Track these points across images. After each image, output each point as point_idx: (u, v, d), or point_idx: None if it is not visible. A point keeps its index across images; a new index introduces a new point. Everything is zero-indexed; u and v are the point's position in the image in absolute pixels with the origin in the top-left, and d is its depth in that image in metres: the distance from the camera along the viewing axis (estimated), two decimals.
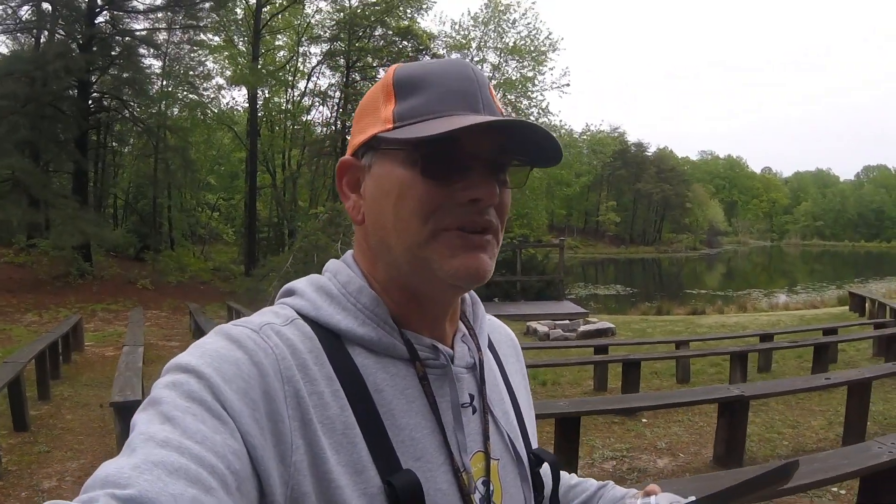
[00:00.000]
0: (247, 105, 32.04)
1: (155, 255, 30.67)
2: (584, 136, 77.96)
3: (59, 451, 6.86)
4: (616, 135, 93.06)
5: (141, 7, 28.21)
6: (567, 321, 17.49)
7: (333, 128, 34.38)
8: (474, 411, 0.98)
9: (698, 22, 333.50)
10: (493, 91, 0.93)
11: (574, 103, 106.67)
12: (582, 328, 16.78)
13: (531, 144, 0.89)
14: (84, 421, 8.06)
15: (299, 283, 0.97)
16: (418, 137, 0.82)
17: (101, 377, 8.22)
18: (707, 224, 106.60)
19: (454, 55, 35.56)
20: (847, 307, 20.72)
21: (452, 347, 0.99)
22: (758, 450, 6.74)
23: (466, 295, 1.09)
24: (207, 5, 27.79)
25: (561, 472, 1.15)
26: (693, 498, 1.00)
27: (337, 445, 0.81)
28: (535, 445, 1.11)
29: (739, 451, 5.65)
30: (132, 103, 29.74)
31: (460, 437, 0.92)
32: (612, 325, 17.05)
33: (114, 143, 34.57)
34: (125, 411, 5.72)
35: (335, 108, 35.44)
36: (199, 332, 13.22)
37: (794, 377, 9.30)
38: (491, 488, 0.96)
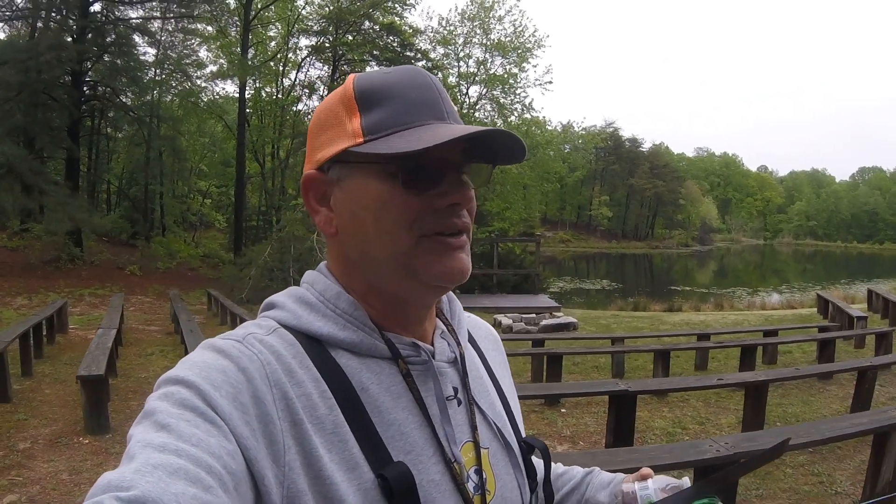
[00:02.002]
0: (238, 94, 32.55)
1: (145, 241, 31.24)
2: (579, 131, 78.37)
3: (36, 419, 7.59)
4: (611, 129, 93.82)
5: None
6: (534, 315, 18.01)
7: None
8: (459, 403, 1.01)
9: (701, 20, 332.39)
10: (448, 97, 0.97)
11: (570, 98, 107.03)
12: (544, 322, 17.23)
13: (498, 147, 0.94)
14: (60, 395, 8.78)
15: (279, 297, 1.01)
16: (400, 153, 0.85)
17: (80, 357, 8.84)
18: (700, 221, 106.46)
19: (439, 49, 36.19)
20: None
21: (432, 344, 1.03)
22: (653, 441, 7.28)
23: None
24: None
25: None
26: (687, 479, 1.10)
27: (328, 444, 0.84)
28: (523, 434, 1.15)
29: (628, 441, 6.11)
30: (125, 91, 30.29)
31: (448, 429, 0.95)
32: (574, 321, 17.50)
33: (108, 129, 34.98)
34: (90, 383, 6.96)
35: (322, 98, 35.58)
36: (176, 319, 13.94)
37: (699, 376, 10.02)
38: (484, 476, 0.99)
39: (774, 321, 18.41)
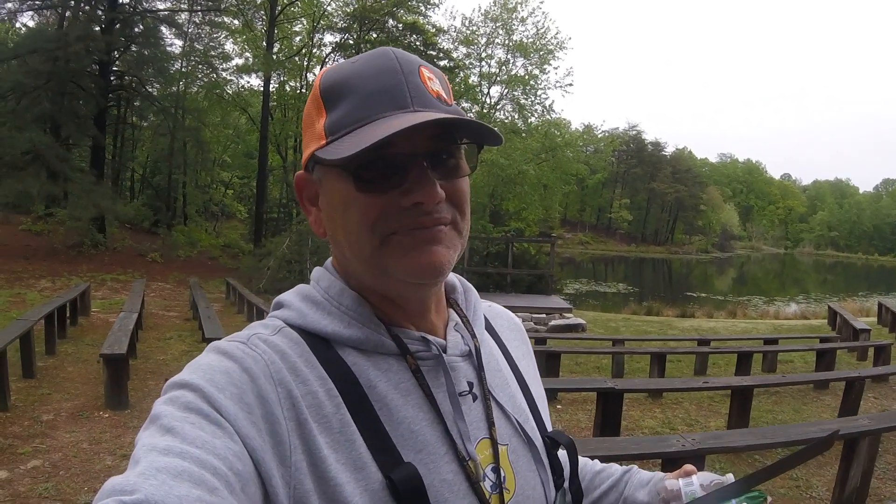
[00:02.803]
0: (262, 88, 33.03)
1: (167, 229, 31.69)
2: (600, 135, 78.29)
3: (59, 394, 8.06)
4: (633, 132, 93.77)
5: None
6: (544, 315, 18.24)
7: None
8: (475, 398, 0.98)
9: (731, 26, 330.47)
10: (427, 72, 0.92)
11: (594, 99, 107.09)
12: (553, 322, 17.52)
13: (467, 132, 0.90)
14: (82, 373, 9.26)
15: (287, 296, 1.00)
16: (339, 159, 0.82)
17: (102, 339, 9.30)
18: (720, 227, 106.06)
19: (461, 49, 36.44)
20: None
21: (445, 338, 1.00)
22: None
23: (457, 283, 1.11)
24: None
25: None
26: (731, 476, 1.08)
27: (335, 444, 0.82)
28: (549, 428, 1.10)
29: (614, 435, 6.36)
30: (151, 81, 30.78)
31: (461, 426, 0.92)
32: (583, 322, 17.77)
33: (133, 119, 35.50)
34: (112, 361, 7.47)
35: None
36: (195, 305, 14.39)
37: (686, 378, 10.30)
38: (502, 474, 0.96)
39: (783, 330, 18.56)
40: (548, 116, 37.74)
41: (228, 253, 31.39)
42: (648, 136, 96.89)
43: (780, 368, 11.90)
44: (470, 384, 0.98)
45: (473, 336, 1.04)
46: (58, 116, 25.84)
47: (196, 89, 35.14)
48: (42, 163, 23.79)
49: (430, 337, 0.96)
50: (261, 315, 13.92)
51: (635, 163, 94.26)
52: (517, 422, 1.02)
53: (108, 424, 6.92)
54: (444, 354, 0.96)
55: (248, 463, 0.74)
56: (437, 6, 36.20)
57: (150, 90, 31.36)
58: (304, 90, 36.59)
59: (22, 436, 6.39)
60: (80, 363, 9.87)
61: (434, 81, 0.91)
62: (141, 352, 10.91)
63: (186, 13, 31.91)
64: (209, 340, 9.71)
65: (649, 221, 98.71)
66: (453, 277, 1.10)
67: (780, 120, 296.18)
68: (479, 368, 1.01)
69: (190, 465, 0.68)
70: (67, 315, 12.28)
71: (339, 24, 34.08)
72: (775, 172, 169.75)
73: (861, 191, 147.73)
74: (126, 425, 6.93)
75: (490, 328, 1.15)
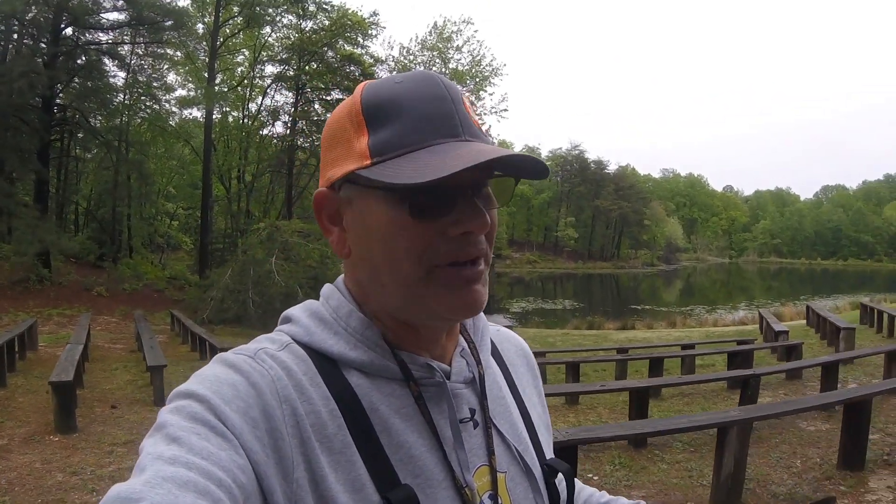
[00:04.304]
0: (205, 119, 33.51)
1: (112, 262, 31.78)
2: (547, 154, 79.37)
3: (11, 421, 8.65)
4: (576, 152, 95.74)
5: (105, 23, 29.55)
6: None
7: (287, 142, 35.94)
8: (476, 425, 0.97)
9: (668, 40, 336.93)
10: (467, 102, 0.91)
11: (537, 120, 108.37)
12: None
13: (511, 165, 0.90)
14: (32, 402, 9.83)
15: (295, 310, 0.99)
16: (408, 185, 0.80)
17: (49, 371, 9.72)
18: (665, 241, 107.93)
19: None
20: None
21: (451, 363, 0.99)
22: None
23: None
24: (168, 23, 29.06)
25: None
26: None
27: (335, 463, 0.82)
28: (549, 456, 1.10)
29: None
30: (94, 115, 31.00)
31: (461, 454, 0.91)
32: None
33: (77, 150, 35.37)
34: (60, 388, 8.17)
35: (286, 125, 36.94)
36: (140, 337, 14.76)
37: (587, 383, 11.06)
38: (500, 502, 0.96)
39: (714, 336, 19.48)
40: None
41: (174, 285, 31.47)
42: (591, 156, 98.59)
43: (700, 371, 12.57)
44: (472, 411, 0.98)
45: (479, 363, 1.03)
46: (1, 151, 25.83)
47: (139, 121, 35.19)
48: None
49: (434, 363, 0.95)
50: (203, 345, 14.43)
51: (579, 181, 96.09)
52: (517, 450, 1.01)
53: (58, 447, 7.51)
54: (447, 381, 0.95)
55: (252, 477, 0.75)
56: (375, 37, 37.04)
57: (93, 123, 31.48)
58: (246, 120, 37.02)
59: None
60: (30, 394, 10.41)
61: (472, 111, 0.92)
62: (87, 382, 11.48)
63: (129, 45, 32.10)
64: (153, 368, 10.38)
65: (595, 238, 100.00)
66: None
67: (722, 131, 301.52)
68: (481, 396, 1.00)
69: (196, 475, 0.68)
70: (16, 349, 12.73)
71: (280, 56, 34.81)
72: (717, 185, 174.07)
73: (802, 198, 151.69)
74: (75, 447, 7.52)
75: (496, 353, 1.14)
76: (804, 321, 21.20)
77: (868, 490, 5.95)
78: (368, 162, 0.85)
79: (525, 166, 0.90)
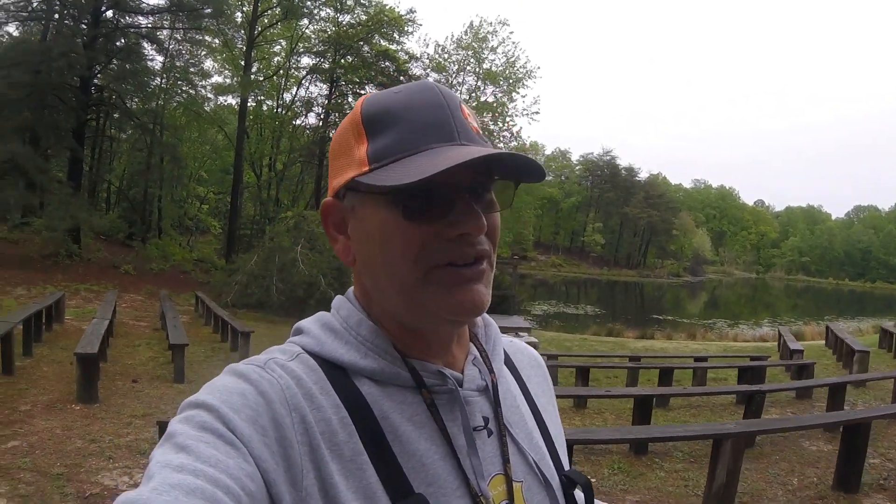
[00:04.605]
0: (239, 105, 33.95)
1: (141, 242, 32.12)
2: (573, 163, 79.08)
3: (35, 389, 8.98)
4: (608, 158, 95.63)
5: (146, 7, 30.05)
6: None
7: (320, 134, 36.18)
8: (490, 434, 0.97)
9: (707, 50, 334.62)
10: (466, 109, 0.93)
11: (572, 124, 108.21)
12: None
13: (511, 168, 0.91)
14: (57, 372, 10.17)
15: (307, 322, 1.00)
16: (396, 186, 0.81)
17: (75, 344, 10.03)
18: (692, 252, 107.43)
19: (433, 76, 37.45)
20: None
21: (462, 371, 0.99)
22: None
23: (479, 317, 1.07)
24: (207, 11, 29.45)
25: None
26: None
27: (346, 472, 0.82)
28: (566, 467, 1.09)
29: None
30: (131, 97, 31.45)
31: (475, 461, 0.91)
32: (536, 340, 18.30)
33: (112, 131, 35.90)
34: (84, 360, 8.52)
35: (319, 117, 37.29)
36: (164, 316, 15.11)
37: (593, 388, 11.28)
38: None
39: (732, 350, 19.46)
40: (514, 143, 38.80)
41: (201, 267, 31.79)
42: (623, 162, 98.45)
43: (711, 384, 12.72)
44: (485, 419, 0.97)
45: (491, 371, 1.02)
46: (38, 128, 26.25)
47: (175, 105, 35.67)
48: (20, 172, 24.27)
49: (446, 370, 0.94)
50: (225, 327, 14.71)
51: (609, 187, 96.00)
52: (533, 459, 1.00)
53: (79, 415, 7.82)
54: (459, 388, 0.94)
55: (261, 484, 0.75)
56: (411, 34, 37.27)
57: (129, 105, 31.83)
58: (280, 110, 37.41)
59: (3, 422, 7.27)
60: (55, 364, 10.73)
61: (472, 118, 0.93)
62: (111, 356, 11.78)
63: (167, 30, 32.47)
64: (174, 346, 10.64)
65: (622, 245, 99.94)
66: None
67: (756, 147, 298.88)
68: (495, 403, 0.99)
69: (203, 483, 0.69)
70: (43, 321, 13.07)
71: (316, 48, 35.17)
72: (748, 199, 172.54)
73: (833, 217, 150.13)
74: (95, 416, 7.85)
75: (510, 364, 1.13)
76: (823, 341, 21.11)
77: None
78: (366, 168, 0.87)
79: (522, 168, 0.91)
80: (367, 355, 0.92)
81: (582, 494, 1.06)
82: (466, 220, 0.86)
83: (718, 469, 5.87)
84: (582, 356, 15.53)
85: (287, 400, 0.82)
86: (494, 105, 37.93)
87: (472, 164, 0.80)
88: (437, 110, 0.88)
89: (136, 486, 0.66)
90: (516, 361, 1.15)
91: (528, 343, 13.51)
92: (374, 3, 34.54)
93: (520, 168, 0.90)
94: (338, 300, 1.01)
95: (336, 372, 0.90)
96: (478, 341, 1.06)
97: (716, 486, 5.88)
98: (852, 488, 6.43)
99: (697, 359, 14.50)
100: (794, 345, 15.79)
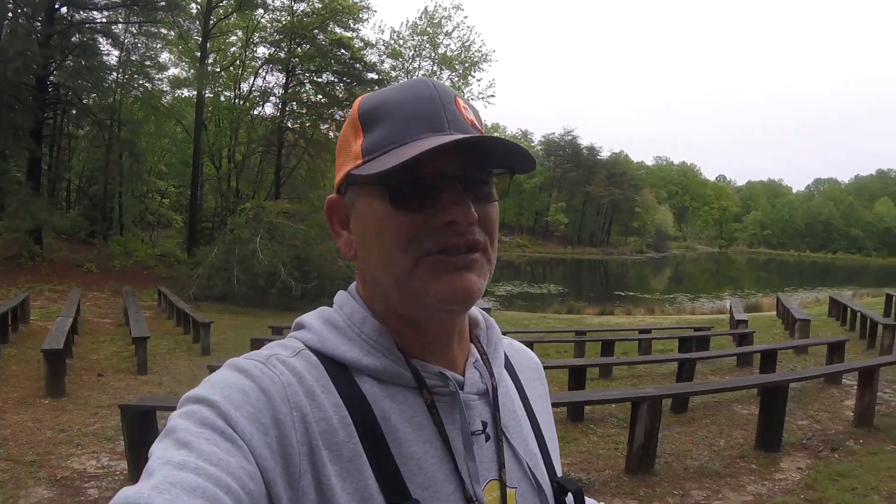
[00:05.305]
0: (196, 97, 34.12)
1: (103, 240, 32.16)
2: (536, 144, 79.41)
3: (5, 387, 9.43)
4: (569, 137, 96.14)
5: (100, 2, 29.97)
6: None
7: (277, 123, 36.23)
8: (488, 438, 0.96)
9: (666, 28, 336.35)
10: (462, 102, 0.93)
11: (533, 103, 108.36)
12: None
13: (499, 157, 0.89)
14: (25, 371, 10.63)
15: (308, 317, 0.98)
16: (377, 173, 0.83)
17: (41, 343, 10.46)
18: (654, 228, 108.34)
19: (388, 62, 38.02)
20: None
21: (464, 374, 0.98)
22: None
23: (481, 319, 1.09)
24: (161, 3, 29.47)
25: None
26: None
27: (344, 472, 0.82)
28: (559, 473, 1.08)
29: None
30: (87, 93, 31.37)
31: (471, 466, 0.90)
32: (491, 320, 18.93)
33: (69, 128, 35.64)
34: (51, 355, 8.98)
35: (277, 106, 37.28)
36: (127, 312, 15.44)
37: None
38: None
39: (686, 323, 20.13)
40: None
41: (164, 262, 31.84)
42: (584, 142, 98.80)
43: (656, 355, 13.20)
44: (484, 423, 0.96)
45: (492, 375, 1.01)
46: None
47: (132, 99, 35.50)
48: None
49: (447, 372, 0.94)
50: (187, 320, 15.09)
51: (571, 167, 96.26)
52: (528, 465, 1.00)
53: (48, 408, 8.33)
54: (460, 391, 0.94)
55: (260, 483, 0.74)
56: (366, 21, 37.44)
57: (86, 101, 31.81)
58: (238, 100, 37.56)
59: None
60: (23, 363, 11.17)
61: (468, 111, 0.93)
62: (77, 353, 12.26)
63: (123, 24, 32.38)
64: (137, 339, 11.07)
65: (585, 224, 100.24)
66: (478, 313, 1.09)
67: (717, 123, 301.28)
68: (494, 408, 0.98)
69: (204, 481, 0.68)
70: (9, 322, 13.39)
71: (272, 38, 35.28)
72: (710, 174, 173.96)
73: (794, 190, 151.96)
74: (63, 408, 8.36)
75: (509, 366, 1.12)
76: (775, 312, 21.86)
77: (778, 470, 6.45)
78: (360, 161, 0.89)
79: (514, 158, 0.90)
80: (369, 353, 0.91)
81: (573, 500, 1.05)
82: (454, 209, 0.85)
83: (637, 430, 6.34)
84: (535, 332, 16.22)
85: (288, 398, 0.82)
86: (453, 89, 37.83)
87: (449, 148, 0.82)
88: (427, 102, 0.89)
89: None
90: (515, 364, 1.15)
91: None
92: None
93: (511, 157, 0.90)
94: (341, 296, 1.01)
95: (337, 369, 0.90)
96: (479, 343, 1.06)
97: (635, 447, 6.35)
98: (773, 447, 6.92)
99: (642, 331, 15.25)
100: (739, 315, 16.51)
